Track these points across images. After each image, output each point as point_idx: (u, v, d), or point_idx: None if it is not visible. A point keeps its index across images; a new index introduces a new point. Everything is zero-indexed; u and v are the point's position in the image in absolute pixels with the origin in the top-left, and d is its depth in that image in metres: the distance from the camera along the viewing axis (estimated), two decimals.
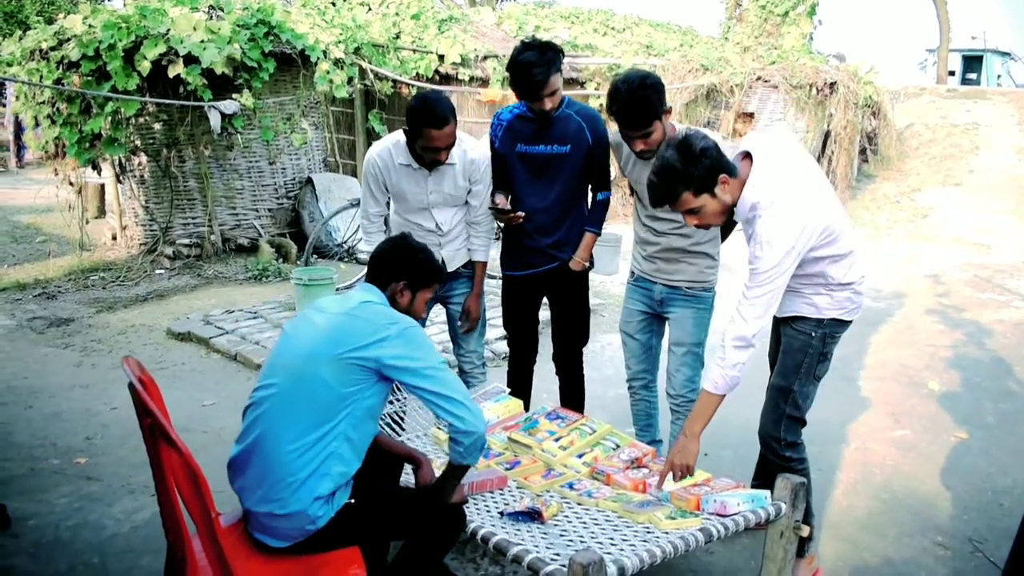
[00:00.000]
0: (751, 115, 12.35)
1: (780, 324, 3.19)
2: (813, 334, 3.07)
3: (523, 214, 3.85)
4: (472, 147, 3.81)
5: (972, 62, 30.82)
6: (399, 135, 3.77)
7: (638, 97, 3.24)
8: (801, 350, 3.10)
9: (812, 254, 2.89)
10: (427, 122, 3.49)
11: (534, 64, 3.53)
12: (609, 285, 8.23)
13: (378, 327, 2.46)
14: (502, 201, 3.87)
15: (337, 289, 6.73)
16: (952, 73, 28.70)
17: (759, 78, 12.19)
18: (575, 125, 3.75)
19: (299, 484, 2.39)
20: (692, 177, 2.80)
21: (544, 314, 4.21)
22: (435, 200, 3.84)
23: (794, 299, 3.06)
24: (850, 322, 3.12)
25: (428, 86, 10.59)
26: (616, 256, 8.71)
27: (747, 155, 2.92)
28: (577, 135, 3.75)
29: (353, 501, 2.54)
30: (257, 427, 2.47)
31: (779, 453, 3.17)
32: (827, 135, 12.35)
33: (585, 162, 3.80)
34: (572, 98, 3.83)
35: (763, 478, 3.42)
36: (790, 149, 3.04)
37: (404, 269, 2.73)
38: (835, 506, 3.94)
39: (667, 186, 2.85)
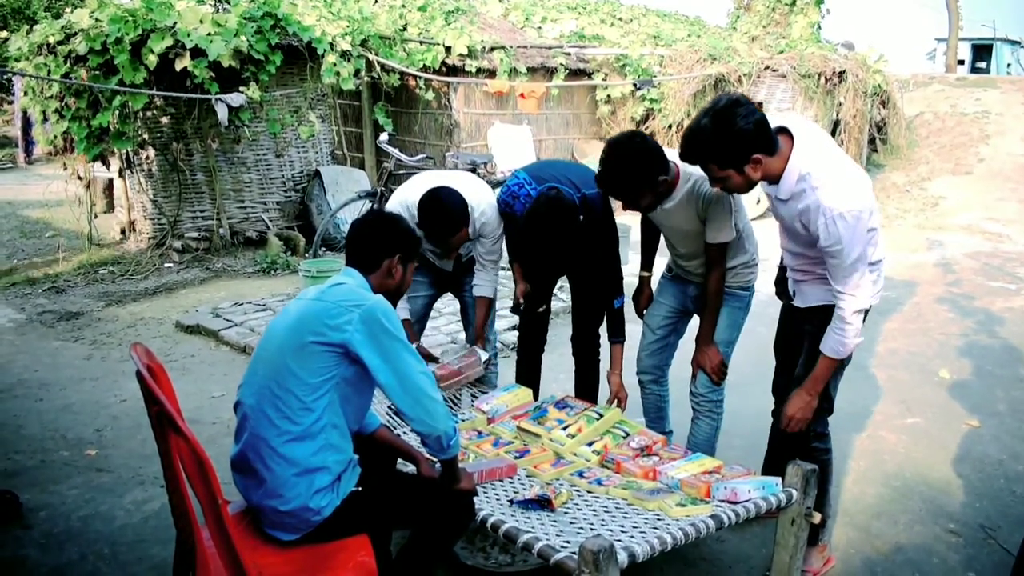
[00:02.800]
0: (760, 104, 12.27)
1: (803, 315, 3.13)
2: None
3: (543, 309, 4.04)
4: (482, 208, 3.77)
5: (982, 51, 30.67)
6: (407, 199, 3.75)
7: (619, 176, 3.17)
8: None
9: None
10: (446, 232, 3.55)
11: (550, 244, 3.56)
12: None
13: (340, 309, 2.41)
14: (522, 290, 3.97)
15: None
16: (962, 62, 28.58)
17: (767, 67, 12.15)
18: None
19: (296, 480, 2.38)
20: (721, 153, 2.71)
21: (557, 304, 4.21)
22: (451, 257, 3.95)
23: (821, 288, 3.00)
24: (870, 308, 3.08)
25: (435, 78, 10.57)
26: (626, 247, 8.68)
27: (783, 130, 2.81)
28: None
29: (360, 489, 2.53)
30: (246, 427, 2.46)
31: (808, 445, 3.14)
32: (836, 124, 12.30)
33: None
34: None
35: (774, 466, 3.40)
36: (816, 128, 2.98)
37: (395, 242, 2.70)
38: (846, 494, 3.93)
39: (695, 153, 2.78)
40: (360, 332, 2.38)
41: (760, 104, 12.16)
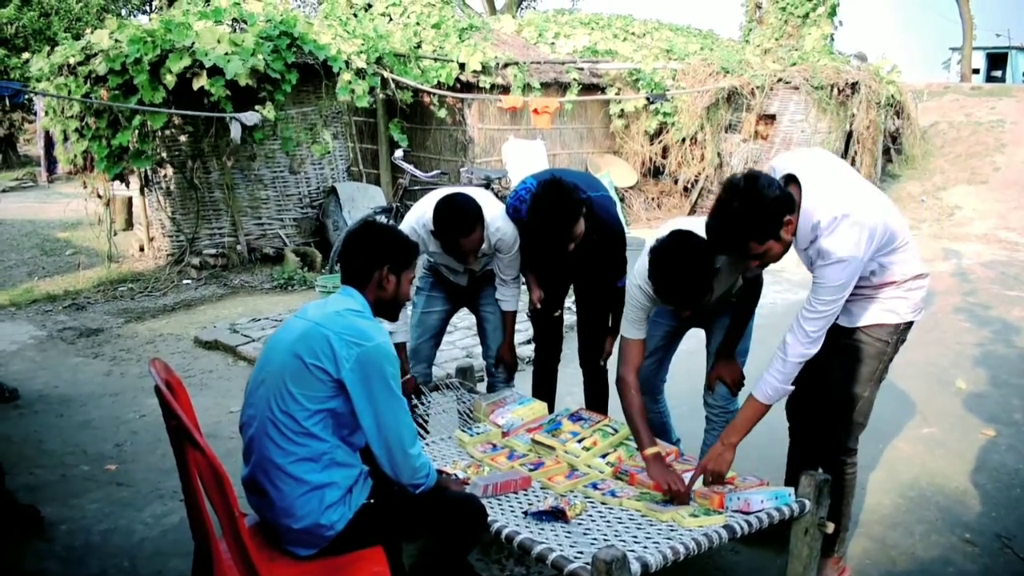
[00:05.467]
0: (772, 117, 12.31)
1: (849, 334, 3.08)
2: (890, 340, 3.01)
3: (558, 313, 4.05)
4: (498, 224, 3.78)
5: (997, 60, 30.59)
6: (423, 214, 3.71)
7: (686, 287, 2.97)
8: (877, 357, 3.03)
9: (879, 256, 2.85)
10: (458, 232, 3.52)
11: (554, 226, 3.51)
12: None
13: (342, 343, 2.41)
14: (537, 296, 4.01)
15: None
16: (976, 71, 28.49)
17: (780, 80, 12.16)
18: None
19: (306, 499, 2.40)
20: (760, 228, 2.72)
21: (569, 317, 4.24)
22: (468, 265, 3.93)
23: (871, 306, 3.00)
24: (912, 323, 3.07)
25: (450, 94, 10.65)
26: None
27: (790, 178, 2.84)
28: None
29: (372, 501, 2.55)
30: (254, 449, 2.48)
31: (837, 459, 3.16)
32: (849, 136, 12.28)
33: None
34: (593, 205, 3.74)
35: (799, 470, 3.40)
36: (825, 159, 2.99)
37: (385, 252, 2.65)
38: (862, 505, 3.92)
39: (733, 238, 2.76)
40: (355, 372, 2.40)
41: (773, 117, 12.18)
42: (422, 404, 3.97)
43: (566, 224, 3.50)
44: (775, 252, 2.81)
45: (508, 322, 4.08)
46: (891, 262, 2.91)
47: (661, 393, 3.92)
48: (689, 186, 12.67)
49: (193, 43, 7.88)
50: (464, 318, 6.38)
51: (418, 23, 11.88)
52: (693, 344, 3.87)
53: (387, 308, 2.71)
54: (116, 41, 7.81)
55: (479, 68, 10.82)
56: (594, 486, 3.15)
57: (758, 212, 2.68)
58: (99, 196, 8.99)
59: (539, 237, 3.62)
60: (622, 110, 12.42)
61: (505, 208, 3.86)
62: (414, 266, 2.77)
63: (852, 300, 3.02)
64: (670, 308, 3.40)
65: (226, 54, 7.93)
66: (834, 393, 3.14)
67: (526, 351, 5.94)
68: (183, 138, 8.64)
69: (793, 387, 2.93)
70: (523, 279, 4.11)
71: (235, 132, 8.18)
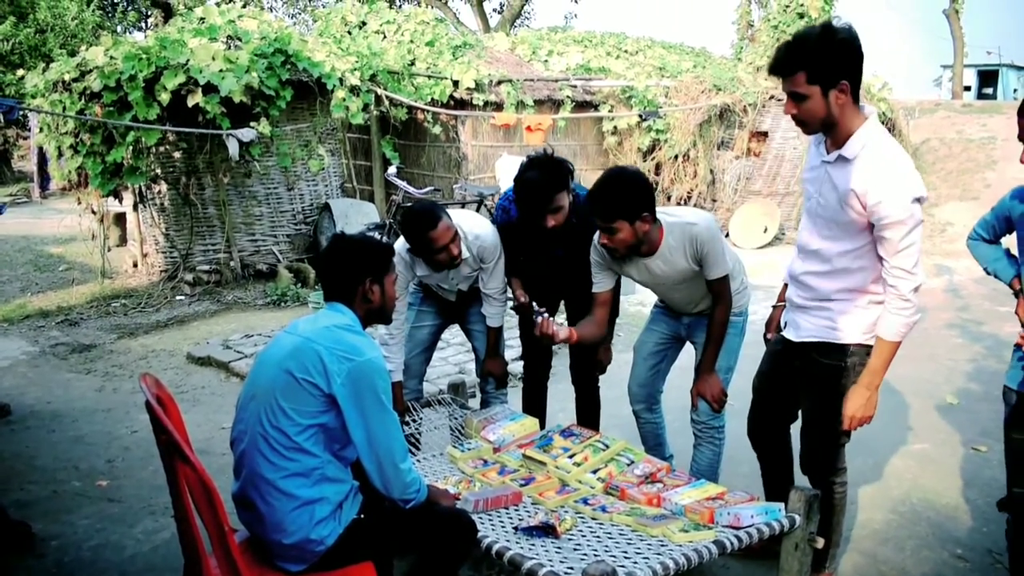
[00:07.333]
0: (765, 134, 12.38)
1: (793, 350, 3.09)
2: (843, 363, 2.94)
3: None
4: (476, 232, 3.81)
5: (988, 77, 30.82)
6: (402, 243, 3.73)
7: (604, 191, 3.20)
8: (836, 382, 2.96)
9: (865, 246, 2.80)
10: (424, 227, 3.51)
11: (539, 184, 3.52)
12: (625, 304, 8.20)
13: (333, 358, 2.41)
14: (523, 296, 3.96)
15: None
16: (968, 88, 28.71)
17: (772, 97, 12.24)
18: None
19: (296, 514, 2.40)
20: (818, 60, 2.58)
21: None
22: (457, 283, 3.95)
23: (818, 320, 2.96)
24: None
25: (443, 111, 10.70)
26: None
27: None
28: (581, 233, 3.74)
29: (362, 516, 2.55)
30: (244, 464, 2.48)
31: (825, 479, 3.15)
32: None
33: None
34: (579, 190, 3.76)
35: (776, 493, 3.41)
36: None
37: (362, 265, 2.64)
38: (853, 520, 3.92)
39: (790, 56, 2.63)
40: (346, 387, 2.40)
41: (765, 134, 12.25)
42: (413, 422, 3.97)
43: (551, 188, 3.50)
44: (812, 107, 2.66)
45: (492, 338, 4.08)
46: (863, 260, 2.85)
47: (658, 404, 3.92)
48: (682, 202, 12.72)
49: (188, 60, 7.93)
50: (457, 334, 6.39)
51: (412, 41, 11.95)
52: (686, 360, 3.89)
53: (378, 315, 2.73)
54: (111, 58, 7.86)
55: (472, 85, 10.89)
56: (584, 501, 3.14)
57: (828, 44, 2.58)
58: (93, 212, 9.02)
59: (524, 202, 3.60)
60: (615, 127, 12.49)
61: (492, 217, 3.89)
62: (393, 267, 2.76)
63: (800, 309, 3.03)
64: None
65: (220, 71, 7.97)
66: (808, 423, 3.14)
67: (517, 367, 5.95)
68: (177, 154, 8.67)
69: (920, 315, 2.84)
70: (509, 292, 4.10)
71: (233, 149, 8.21)
